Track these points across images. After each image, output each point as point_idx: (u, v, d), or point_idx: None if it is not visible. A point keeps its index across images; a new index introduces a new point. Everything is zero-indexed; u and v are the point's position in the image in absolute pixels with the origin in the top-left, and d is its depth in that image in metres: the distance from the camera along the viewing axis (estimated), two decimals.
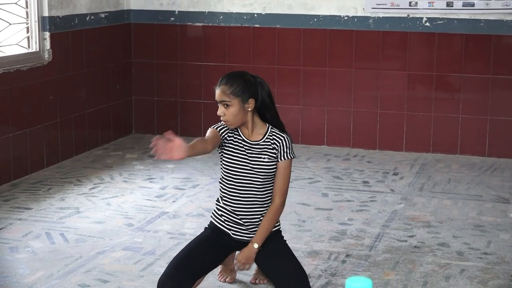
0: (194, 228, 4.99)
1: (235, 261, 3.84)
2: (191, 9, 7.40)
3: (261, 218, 3.84)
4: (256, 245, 3.77)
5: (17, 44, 6.19)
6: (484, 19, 6.71)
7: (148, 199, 5.66)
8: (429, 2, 6.73)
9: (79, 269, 4.31)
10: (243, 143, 3.82)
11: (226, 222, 3.87)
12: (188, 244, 3.86)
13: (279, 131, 3.85)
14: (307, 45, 7.16)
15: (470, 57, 6.82)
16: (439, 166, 6.63)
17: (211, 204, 5.47)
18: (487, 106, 6.83)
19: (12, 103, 6.00)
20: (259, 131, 3.85)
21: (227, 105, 3.73)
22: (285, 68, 7.24)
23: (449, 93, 6.92)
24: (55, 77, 6.47)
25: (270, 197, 3.85)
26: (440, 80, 6.91)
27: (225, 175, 3.85)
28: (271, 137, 3.83)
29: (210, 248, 3.81)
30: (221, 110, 3.75)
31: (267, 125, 3.87)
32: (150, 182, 6.09)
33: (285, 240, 3.95)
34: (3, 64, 5.88)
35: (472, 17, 6.73)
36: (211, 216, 3.95)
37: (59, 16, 6.45)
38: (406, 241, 4.82)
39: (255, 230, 3.83)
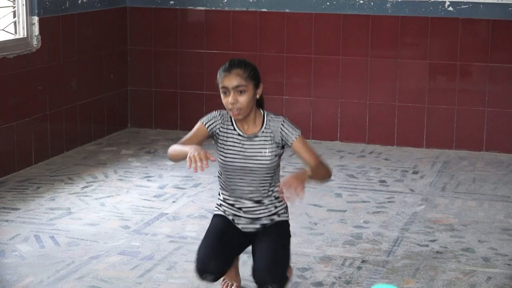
0: (195, 231, 5.01)
1: (281, 185, 3.66)
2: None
3: (264, 208, 3.88)
4: (308, 171, 3.74)
5: (2, 29, 6.20)
6: None
7: (145, 199, 5.67)
8: None
9: (71, 275, 4.32)
10: (239, 138, 3.85)
11: (230, 217, 3.94)
12: (209, 229, 3.90)
13: (273, 114, 3.89)
14: (319, 32, 7.16)
15: (497, 45, 6.81)
16: (463, 164, 6.63)
17: (214, 205, 5.47)
18: None
19: None
20: (258, 121, 3.87)
21: (242, 91, 3.74)
22: (294, 57, 7.24)
23: (474, 85, 6.92)
24: (44, 65, 6.48)
25: (271, 188, 3.87)
26: (464, 70, 6.91)
27: (222, 172, 3.90)
28: (269, 126, 3.84)
29: (234, 229, 3.89)
30: (233, 98, 3.74)
31: (262, 111, 3.90)
32: (148, 180, 6.11)
33: (289, 232, 3.97)
34: None
35: (500, 1, 6.72)
36: (215, 210, 4.03)
37: None
38: (427, 245, 4.83)
39: (263, 220, 3.88)
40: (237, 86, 3.74)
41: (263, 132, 3.84)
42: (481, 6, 6.77)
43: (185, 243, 4.80)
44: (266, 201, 3.89)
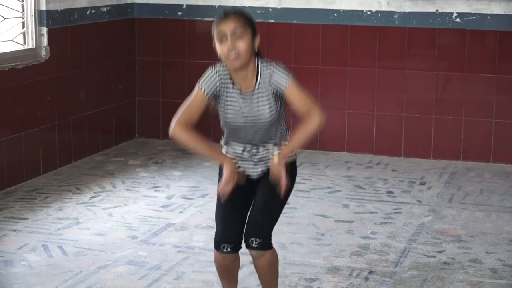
0: (203, 241, 5.02)
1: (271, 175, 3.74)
2: (200, 3, 7.43)
3: (267, 151, 3.82)
4: (275, 152, 3.72)
5: (12, 40, 6.23)
6: None
7: (153, 209, 5.69)
8: None
9: (79, 285, 4.34)
10: (238, 96, 3.75)
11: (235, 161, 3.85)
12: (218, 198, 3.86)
13: (266, 62, 3.77)
14: (326, 43, 7.18)
15: (505, 56, 6.82)
16: (471, 175, 6.63)
17: None
18: None
19: (6, 104, 6.04)
20: (253, 75, 3.74)
21: (239, 37, 3.63)
22: (302, 68, 7.25)
23: (482, 96, 6.92)
24: (52, 76, 6.51)
25: (278, 134, 3.82)
26: (472, 82, 6.91)
27: (225, 125, 3.85)
28: (263, 78, 3.73)
29: (240, 190, 3.81)
30: (231, 42, 3.62)
31: (255, 60, 3.76)
32: (155, 190, 6.12)
33: (293, 179, 3.89)
34: None
35: (507, 12, 6.73)
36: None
37: (57, 10, 6.49)
38: (434, 257, 4.83)
39: (267, 163, 3.82)
40: (234, 30, 3.62)
41: (258, 86, 3.74)
42: (489, 17, 6.78)
43: (192, 253, 4.81)
44: (270, 145, 3.82)
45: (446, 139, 7.03)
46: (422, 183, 6.38)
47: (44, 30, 6.40)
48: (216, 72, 3.77)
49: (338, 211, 5.68)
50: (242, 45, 3.63)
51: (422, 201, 5.93)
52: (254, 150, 3.82)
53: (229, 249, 3.74)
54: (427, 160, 7.05)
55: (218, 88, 3.77)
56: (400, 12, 6.97)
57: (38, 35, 6.38)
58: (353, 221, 5.46)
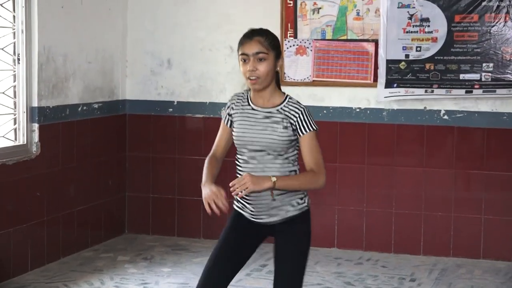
0: None
1: (240, 179, 3.71)
2: (191, 100, 7.52)
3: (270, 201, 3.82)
4: (273, 179, 3.69)
5: (3, 136, 6.27)
6: (507, 112, 6.81)
7: None
8: (446, 90, 6.83)
9: None
10: (253, 112, 3.79)
11: (242, 204, 3.88)
12: (215, 246, 3.93)
13: (297, 102, 3.83)
14: None
15: (493, 153, 6.88)
16: (461, 271, 6.61)
17: None
18: None
19: None
20: (276, 99, 3.80)
21: (261, 59, 3.71)
22: None
23: (470, 192, 6.95)
24: (43, 171, 6.53)
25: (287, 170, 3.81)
26: (460, 178, 6.96)
27: (237, 149, 3.88)
28: (288, 107, 3.78)
29: (237, 246, 3.89)
30: (252, 65, 3.70)
31: (285, 94, 3.86)
32: (144, 287, 6.07)
33: (308, 235, 3.95)
34: None
35: (494, 110, 6.83)
36: (233, 202, 3.98)
37: (49, 107, 6.55)
38: None
39: (276, 210, 3.83)
40: (257, 53, 3.71)
41: (278, 110, 3.78)
42: (476, 115, 6.87)
43: None
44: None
45: (435, 235, 7.03)
46: (412, 280, 6.36)
47: (36, 126, 6.45)
48: (233, 98, 3.92)
49: None
50: (263, 68, 3.73)
51: None
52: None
53: None
54: (417, 257, 7.03)
55: (233, 109, 3.88)
56: (389, 109, 7.06)
57: (30, 131, 6.42)
58: None
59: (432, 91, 6.88)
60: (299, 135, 3.78)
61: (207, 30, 7.46)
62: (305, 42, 7.19)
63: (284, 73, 7.23)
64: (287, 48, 7.20)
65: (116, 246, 7.28)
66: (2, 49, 6.23)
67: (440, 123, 6.97)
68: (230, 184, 3.69)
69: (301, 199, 3.93)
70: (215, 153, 3.99)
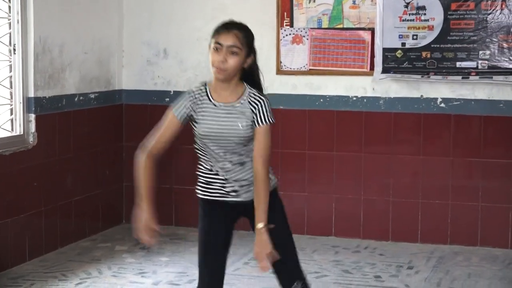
0: None
1: (255, 255, 3.86)
2: (188, 89, 7.50)
3: (246, 177, 3.89)
4: (260, 225, 3.80)
5: (0, 127, 6.26)
6: (504, 100, 6.80)
7: None
8: (443, 76, 6.83)
9: None
10: (213, 107, 3.84)
11: (213, 191, 3.95)
12: (200, 239, 4.02)
13: (257, 93, 3.89)
14: (313, 128, 7.24)
15: (490, 141, 6.88)
16: (458, 259, 6.62)
17: None
18: (510, 193, 6.86)
19: None
20: (237, 92, 3.86)
21: (234, 53, 3.76)
22: (289, 152, 7.30)
23: (467, 180, 6.96)
24: (40, 162, 6.52)
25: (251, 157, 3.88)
26: (458, 166, 6.96)
27: (199, 145, 3.92)
28: (248, 99, 3.84)
29: (219, 233, 3.97)
30: (224, 56, 3.75)
31: (244, 84, 3.90)
32: (142, 276, 6.08)
33: (282, 208, 4.02)
34: None
35: (491, 98, 6.83)
36: (197, 191, 4.04)
37: (45, 97, 6.55)
38: None
39: (248, 188, 3.90)
40: (231, 46, 3.76)
41: (238, 104, 3.84)
42: (473, 102, 6.87)
43: None
44: (247, 163, 3.90)
45: (433, 223, 7.04)
46: (410, 267, 6.37)
47: (32, 116, 6.44)
48: (189, 94, 3.89)
49: None
50: (233, 62, 3.78)
51: (410, 285, 5.91)
52: (229, 169, 3.88)
53: None
54: (414, 244, 7.04)
55: (191, 109, 3.87)
56: (386, 97, 7.06)
57: (26, 122, 6.42)
58: None
59: (429, 77, 6.87)
60: (256, 125, 3.84)
61: (203, 20, 7.44)
62: (301, 31, 7.18)
63: (281, 62, 7.23)
64: (283, 37, 7.20)
65: (114, 236, 7.29)
66: None
67: (437, 111, 6.96)
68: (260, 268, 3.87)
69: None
70: (152, 149, 3.97)
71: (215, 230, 3.99)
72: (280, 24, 7.20)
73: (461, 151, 6.95)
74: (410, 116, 7.04)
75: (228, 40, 3.77)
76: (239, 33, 3.80)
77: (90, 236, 7.22)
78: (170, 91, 7.54)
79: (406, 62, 6.91)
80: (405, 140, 7.08)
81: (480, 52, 6.76)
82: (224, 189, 3.94)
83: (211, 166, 3.93)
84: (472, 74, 6.77)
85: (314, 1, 7.13)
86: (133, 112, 7.69)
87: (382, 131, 7.10)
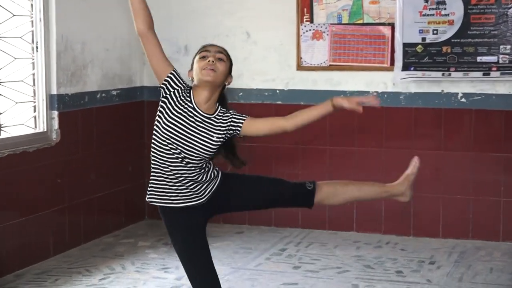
0: None
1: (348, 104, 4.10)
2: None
3: (199, 184, 4.01)
4: (328, 101, 4.11)
5: (23, 124, 6.30)
6: None
7: None
8: (463, 73, 6.80)
9: None
10: (193, 111, 3.97)
11: (166, 197, 4.05)
12: (181, 260, 4.17)
13: (225, 109, 4.07)
14: (334, 123, 7.24)
15: (511, 135, 6.84)
16: (480, 254, 6.60)
17: None
18: None
19: (17, 187, 6.08)
20: (211, 107, 4.00)
21: (221, 59, 3.99)
22: (310, 148, 7.30)
23: (489, 175, 6.93)
24: (63, 158, 6.56)
25: (203, 171, 4.01)
26: (479, 161, 6.93)
27: (161, 143, 4.05)
28: (221, 114, 4.00)
29: (196, 244, 4.09)
30: (212, 59, 3.96)
31: (217, 103, 4.06)
32: (165, 272, 6.10)
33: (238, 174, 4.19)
34: (8, 146, 5.98)
35: None
36: (149, 198, 4.13)
37: (68, 94, 6.58)
38: None
39: (199, 190, 4.01)
40: (219, 52, 4.01)
41: (214, 117, 3.98)
42: (493, 97, 6.84)
43: None
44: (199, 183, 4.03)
45: (454, 218, 7.01)
46: (432, 263, 6.35)
47: (55, 113, 6.48)
48: (186, 84, 4.05)
49: None
50: (221, 67, 3.98)
51: (432, 280, 5.89)
52: (182, 181, 3.99)
53: None
54: (436, 239, 7.02)
55: (178, 90, 4.02)
56: (406, 92, 7.04)
57: (49, 119, 6.45)
58: None
59: (449, 74, 6.85)
60: (240, 129, 4.00)
61: (223, 16, 7.45)
62: (321, 27, 7.17)
63: (301, 58, 7.22)
64: (304, 33, 7.19)
65: (137, 232, 7.31)
66: (21, 37, 6.26)
67: (458, 106, 6.94)
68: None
69: (213, 172, 4.10)
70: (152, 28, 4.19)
71: (195, 238, 4.10)
72: (300, 20, 7.20)
73: (482, 146, 6.92)
74: (431, 111, 7.02)
75: (216, 49, 4.03)
76: (223, 50, 4.07)
77: (113, 232, 7.25)
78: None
79: (427, 57, 6.88)
80: (426, 135, 7.06)
81: (501, 46, 6.72)
82: (184, 194, 4.04)
83: (166, 170, 4.04)
84: (493, 69, 6.74)
85: None
86: (155, 109, 7.65)
87: (403, 126, 7.08)
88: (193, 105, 3.97)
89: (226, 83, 4.06)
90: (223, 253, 6.59)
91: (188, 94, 4.00)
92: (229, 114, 4.02)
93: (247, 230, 7.29)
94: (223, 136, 3.98)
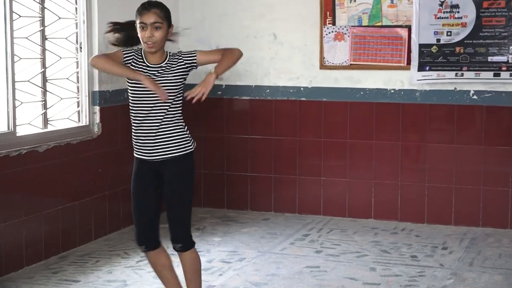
0: None
1: (192, 90, 4.27)
2: (238, 83, 7.59)
3: (170, 136, 4.29)
4: (213, 70, 4.26)
5: (67, 118, 6.41)
6: None
7: None
8: (475, 73, 6.84)
9: None
10: (147, 68, 4.21)
11: (142, 149, 4.30)
12: (132, 195, 4.45)
13: (173, 53, 4.31)
14: (354, 118, 7.28)
15: None
16: (489, 240, 6.63)
17: (258, 278, 5.55)
18: None
19: (62, 176, 6.19)
20: (161, 56, 4.25)
21: (158, 28, 4.17)
22: (331, 141, 7.35)
23: (498, 167, 6.95)
24: (104, 150, 6.66)
25: (177, 117, 4.34)
26: (489, 154, 6.95)
27: (133, 103, 4.28)
28: (171, 58, 4.25)
29: (148, 191, 4.43)
30: (150, 32, 4.15)
31: (166, 51, 4.30)
32: None
33: (192, 170, 4.43)
34: (54, 138, 6.10)
35: None
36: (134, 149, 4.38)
37: (109, 91, 6.67)
38: None
39: (168, 149, 4.28)
40: (154, 23, 4.16)
41: (166, 63, 4.24)
42: (503, 94, 6.86)
43: None
44: (168, 132, 4.30)
45: (466, 207, 7.04)
46: (444, 248, 6.39)
47: (97, 108, 6.58)
48: (134, 51, 4.28)
49: (366, 274, 5.70)
50: (159, 35, 4.20)
51: (444, 264, 5.94)
52: (155, 130, 4.25)
53: (145, 249, 4.60)
54: (448, 227, 7.05)
55: (131, 61, 4.25)
56: (421, 90, 7.07)
57: (91, 113, 6.56)
58: (380, 284, 5.48)
59: (462, 75, 6.88)
60: (195, 61, 4.29)
61: (252, 18, 7.52)
62: (343, 29, 7.22)
63: (324, 58, 7.28)
64: (326, 34, 7.24)
65: None
66: (66, 38, 6.36)
67: (470, 103, 6.96)
68: (186, 94, 4.26)
69: (186, 141, 4.38)
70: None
71: (144, 189, 4.45)
72: (323, 22, 7.25)
73: (492, 140, 6.94)
74: (444, 107, 7.04)
75: (150, 18, 4.18)
76: (157, 10, 4.21)
77: None
78: (222, 85, 7.62)
79: (441, 57, 6.92)
80: (440, 130, 7.09)
81: (511, 47, 6.74)
82: (149, 146, 4.29)
83: (139, 124, 4.28)
84: (503, 68, 6.76)
85: (355, 0, 7.17)
86: (189, 104, 7.74)
87: (418, 121, 7.12)
88: (146, 63, 4.24)
89: (169, 36, 4.28)
90: (251, 238, 6.66)
91: (140, 57, 4.26)
92: (178, 55, 4.27)
93: (273, 217, 7.36)
94: (181, 74, 4.27)
